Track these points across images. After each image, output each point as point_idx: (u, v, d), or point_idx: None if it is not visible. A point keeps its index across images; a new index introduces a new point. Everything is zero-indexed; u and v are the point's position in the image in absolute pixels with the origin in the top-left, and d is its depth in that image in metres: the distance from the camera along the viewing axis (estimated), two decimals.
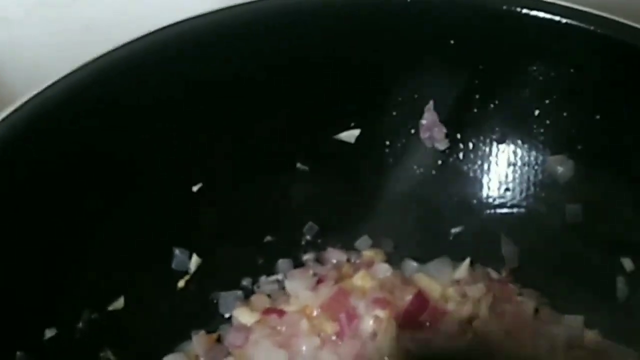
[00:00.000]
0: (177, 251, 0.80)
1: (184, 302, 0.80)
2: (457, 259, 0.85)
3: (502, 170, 0.84)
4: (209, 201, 0.80)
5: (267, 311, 0.80)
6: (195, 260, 0.80)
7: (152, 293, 0.78)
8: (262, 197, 0.83)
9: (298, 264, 0.85)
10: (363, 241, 0.87)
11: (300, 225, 0.86)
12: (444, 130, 0.84)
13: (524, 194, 0.84)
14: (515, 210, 0.84)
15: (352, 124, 0.83)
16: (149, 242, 0.77)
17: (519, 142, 0.83)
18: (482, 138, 0.84)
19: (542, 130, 0.81)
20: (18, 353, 0.66)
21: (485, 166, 0.85)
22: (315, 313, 0.79)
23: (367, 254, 0.86)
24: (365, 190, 0.86)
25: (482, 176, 0.85)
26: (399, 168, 0.86)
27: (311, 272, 0.84)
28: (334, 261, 0.85)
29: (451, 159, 0.85)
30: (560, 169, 0.81)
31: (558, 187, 0.81)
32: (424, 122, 0.84)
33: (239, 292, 0.83)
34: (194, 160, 0.79)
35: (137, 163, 0.74)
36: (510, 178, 0.84)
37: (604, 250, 0.79)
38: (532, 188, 0.83)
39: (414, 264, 0.85)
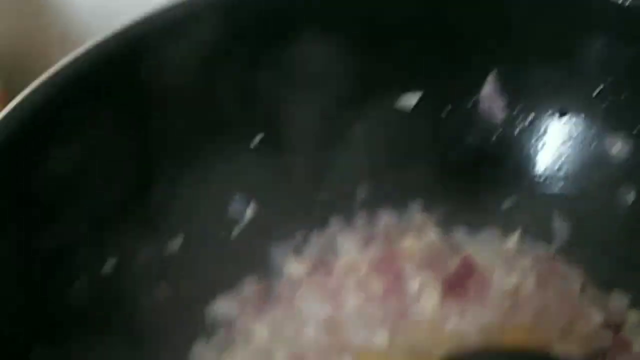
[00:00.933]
0: (233, 201, 0.82)
1: (237, 249, 0.82)
2: (507, 231, 0.85)
3: (558, 147, 0.85)
4: (266, 155, 0.82)
5: (317, 265, 0.82)
6: (250, 212, 0.83)
7: (208, 238, 0.80)
8: (319, 154, 0.84)
9: (350, 223, 0.87)
10: (414, 206, 0.88)
11: (354, 186, 0.87)
12: (504, 101, 0.85)
13: (578, 172, 0.84)
14: (568, 187, 0.85)
15: (412, 89, 0.84)
16: (208, 189, 0.79)
17: (578, 119, 0.83)
18: (541, 112, 0.85)
19: (601, 109, 0.81)
20: (76, 282, 0.70)
21: (542, 141, 0.85)
22: (363, 271, 0.81)
23: (418, 218, 0.87)
24: (419, 156, 0.86)
25: (538, 151, 0.86)
26: (455, 136, 0.86)
27: (362, 231, 0.85)
28: (385, 222, 0.87)
29: (508, 132, 0.86)
30: (616, 149, 0.81)
31: (613, 167, 0.82)
32: (484, 92, 0.84)
33: (291, 245, 0.85)
34: (255, 116, 0.81)
35: (204, 110, 0.77)
36: (564, 155, 0.85)
37: None
38: (587, 166, 0.84)
39: (463, 231, 0.86)
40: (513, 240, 0.84)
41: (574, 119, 0.84)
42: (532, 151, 0.86)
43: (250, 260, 0.83)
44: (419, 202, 0.88)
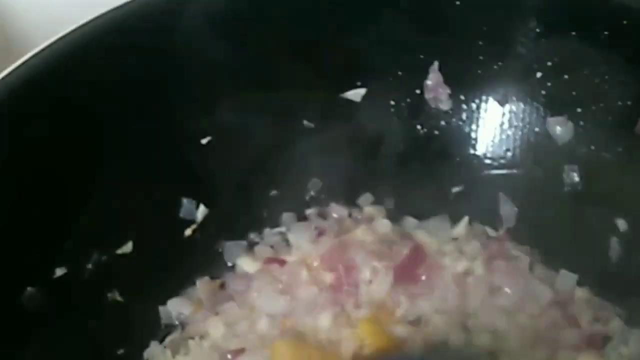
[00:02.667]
0: (185, 201, 0.83)
1: (190, 249, 0.83)
2: (456, 217, 0.87)
3: (502, 132, 0.86)
4: (216, 154, 0.83)
5: (269, 260, 0.83)
6: (202, 210, 0.84)
7: (160, 239, 0.81)
8: (269, 152, 0.85)
9: (301, 218, 0.88)
10: (365, 198, 0.89)
11: (305, 181, 0.88)
12: (448, 91, 0.86)
13: (523, 155, 0.86)
14: (514, 170, 0.86)
15: (359, 83, 0.86)
16: (158, 190, 0.80)
17: (521, 103, 0.85)
18: (484, 99, 0.86)
19: (543, 92, 0.83)
20: (28, 289, 0.70)
21: (487, 127, 0.87)
22: (315, 264, 0.82)
23: (369, 210, 0.88)
24: (368, 149, 0.88)
25: (484, 137, 0.87)
26: (403, 127, 0.88)
27: (313, 225, 0.86)
28: (336, 216, 0.88)
29: (454, 120, 0.87)
30: (559, 131, 0.83)
31: (557, 149, 0.83)
32: (428, 82, 0.86)
33: (244, 243, 0.86)
34: (204, 114, 0.81)
35: (148, 112, 0.77)
36: (510, 139, 0.86)
37: (599, 211, 0.81)
38: (531, 149, 0.85)
39: (414, 220, 0.87)
40: (462, 226, 0.86)
41: (516, 105, 0.85)
42: (477, 138, 0.87)
43: (202, 260, 0.84)
44: (369, 195, 0.89)
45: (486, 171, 0.87)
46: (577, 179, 0.82)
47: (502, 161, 0.87)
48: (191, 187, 0.83)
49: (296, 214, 0.88)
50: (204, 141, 0.82)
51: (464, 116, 0.87)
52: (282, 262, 0.83)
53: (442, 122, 0.88)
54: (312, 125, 0.86)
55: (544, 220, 0.84)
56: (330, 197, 0.89)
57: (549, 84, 0.82)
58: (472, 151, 0.88)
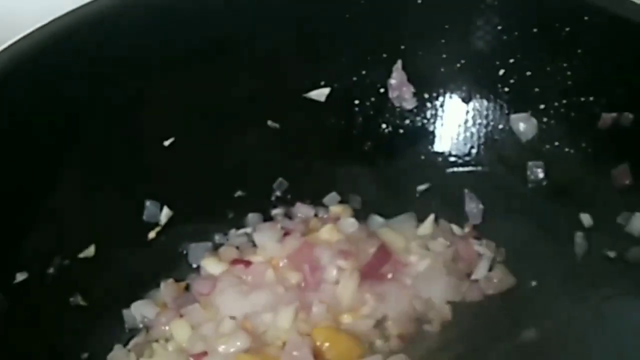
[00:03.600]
0: (148, 203, 0.82)
1: (154, 252, 0.83)
2: (422, 215, 0.87)
3: (467, 129, 0.87)
4: (180, 155, 0.82)
5: (235, 262, 0.83)
6: (166, 213, 0.83)
7: (123, 243, 0.80)
8: (233, 153, 0.85)
9: (267, 218, 0.88)
10: (331, 197, 0.89)
11: (270, 181, 0.88)
12: (412, 89, 0.86)
13: (488, 152, 0.86)
14: (479, 167, 0.87)
15: (322, 83, 0.85)
16: (120, 193, 0.79)
17: (484, 100, 0.85)
18: (448, 97, 0.86)
19: (506, 90, 0.83)
20: None
21: (451, 125, 0.87)
22: (281, 264, 0.81)
23: (335, 209, 0.88)
24: (334, 148, 0.88)
25: (448, 135, 0.87)
26: (368, 126, 0.88)
27: (279, 225, 0.86)
28: (302, 216, 0.87)
29: (418, 118, 0.87)
30: (523, 127, 0.83)
31: (520, 145, 0.84)
32: (392, 81, 0.86)
33: (209, 244, 0.86)
34: (167, 115, 0.81)
35: (108, 114, 0.76)
36: (474, 136, 0.86)
37: (564, 206, 0.81)
38: (495, 146, 0.86)
39: (380, 219, 0.87)
40: (428, 223, 0.86)
41: (480, 102, 0.85)
42: (442, 135, 0.88)
43: (167, 262, 0.83)
44: (335, 194, 0.89)
45: (451, 169, 0.87)
46: (541, 175, 0.83)
47: (467, 158, 0.87)
48: (154, 189, 0.82)
49: (262, 215, 0.88)
50: (166, 143, 0.81)
51: (428, 114, 0.87)
52: (248, 263, 0.82)
53: (407, 121, 0.88)
54: (276, 125, 0.86)
55: (508, 217, 0.84)
56: (296, 197, 0.88)
57: (511, 80, 0.83)
58: (436, 149, 0.88)
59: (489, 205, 0.86)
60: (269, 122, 0.86)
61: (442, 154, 0.88)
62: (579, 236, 0.80)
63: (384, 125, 0.88)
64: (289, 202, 0.88)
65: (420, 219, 0.86)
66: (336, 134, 0.88)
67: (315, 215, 0.88)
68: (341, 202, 0.89)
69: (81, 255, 0.77)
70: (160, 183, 0.82)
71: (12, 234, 0.71)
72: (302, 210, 0.88)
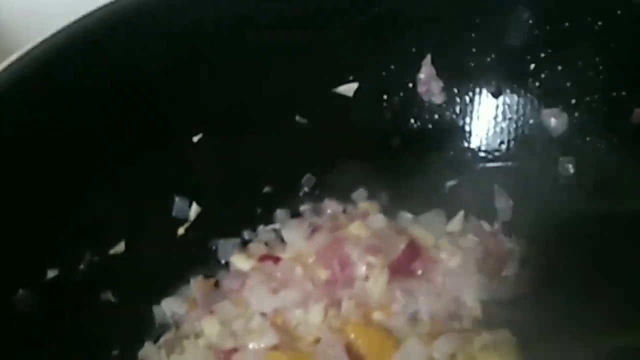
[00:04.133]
0: (177, 199, 0.82)
1: (183, 248, 0.83)
2: (451, 211, 0.86)
3: (497, 124, 0.86)
4: (209, 151, 0.82)
5: (264, 258, 0.83)
6: (195, 209, 0.83)
7: (153, 239, 0.80)
8: (262, 148, 0.84)
9: (295, 214, 0.88)
10: (359, 193, 0.88)
11: (299, 177, 0.88)
12: (441, 84, 0.85)
13: (518, 147, 0.85)
14: (509, 163, 0.86)
15: (351, 78, 0.85)
16: (150, 189, 0.80)
17: (515, 95, 0.84)
18: (478, 91, 0.85)
19: (537, 84, 0.82)
20: (20, 291, 0.69)
21: (481, 120, 0.86)
22: (310, 260, 0.81)
23: (363, 205, 0.88)
24: (362, 143, 0.87)
25: (477, 130, 0.86)
26: (396, 121, 0.87)
27: (307, 222, 0.85)
28: (330, 212, 0.87)
29: (447, 113, 0.87)
30: (554, 122, 0.82)
31: (551, 140, 0.83)
32: (421, 76, 0.85)
33: (237, 240, 0.86)
34: (196, 110, 0.81)
35: (137, 111, 0.76)
36: (504, 132, 0.86)
37: (595, 202, 0.80)
38: (526, 141, 0.85)
39: (409, 215, 0.87)
40: (457, 220, 0.85)
41: (510, 97, 0.84)
42: (471, 131, 0.87)
43: (196, 258, 0.84)
44: (363, 190, 0.89)
45: (481, 164, 0.87)
46: (572, 170, 0.82)
47: (497, 154, 0.86)
48: (183, 185, 0.82)
49: (290, 211, 0.88)
50: (195, 139, 0.81)
51: (457, 109, 0.87)
52: (277, 259, 0.82)
53: (436, 116, 0.87)
54: (305, 120, 0.85)
55: (539, 213, 0.83)
56: (323, 193, 0.88)
57: (542, 75, 0.82)
58: (466, 144, 0.87)
59: (519, 201, 0.85)
60: (297, 118, 0.85)
61: (471, 149, 0.87)
62: None
63: (412, 120, 0.87)
64: (317, 198, 0.88)
65: (450, 215, 0.86)
66: (364, 129, 0.87)
67: (344, 211, 0.88)
68: (369, 198, 0.88)
69: (111, 252, 0.77)
70: (189, 179, 0.82)
71: (43, 231, 0.71)
72: (330, 206, 0.88)
